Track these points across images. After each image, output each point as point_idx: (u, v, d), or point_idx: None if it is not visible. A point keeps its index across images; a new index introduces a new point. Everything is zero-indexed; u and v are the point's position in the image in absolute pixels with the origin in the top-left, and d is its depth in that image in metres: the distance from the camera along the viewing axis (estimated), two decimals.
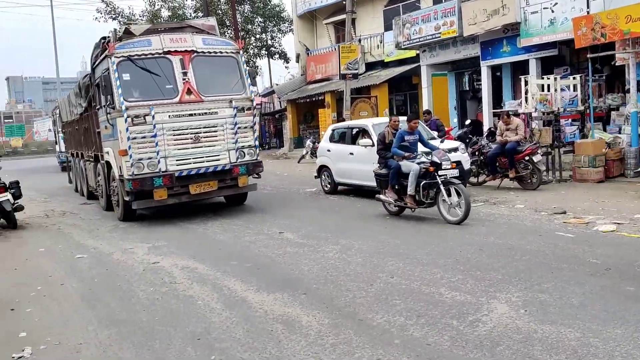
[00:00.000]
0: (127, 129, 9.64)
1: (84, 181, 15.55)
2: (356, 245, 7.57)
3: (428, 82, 19.67)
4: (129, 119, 9.64)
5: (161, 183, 9.88)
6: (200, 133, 10.19)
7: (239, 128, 10.51)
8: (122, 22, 34.52)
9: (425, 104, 19.42)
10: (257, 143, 10.89)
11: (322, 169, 13.35)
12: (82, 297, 6.10)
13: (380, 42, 24.15)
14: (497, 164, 11.82)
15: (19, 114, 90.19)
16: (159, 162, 9.87)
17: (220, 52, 10.73)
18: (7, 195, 10.99)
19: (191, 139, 10.11)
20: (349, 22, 21.51)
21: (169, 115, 9.95)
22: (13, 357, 4.46)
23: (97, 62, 11.21)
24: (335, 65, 22.62)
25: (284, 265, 6.81)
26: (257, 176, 11.14)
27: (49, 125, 67.35)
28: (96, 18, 35.10)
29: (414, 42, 18.80)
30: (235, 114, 10.46)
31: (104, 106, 10.42)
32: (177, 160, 10.06)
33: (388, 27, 22.35)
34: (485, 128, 16.31)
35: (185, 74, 10.18)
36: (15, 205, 11.23)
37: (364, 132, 12.11)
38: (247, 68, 11.05)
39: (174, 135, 9.99)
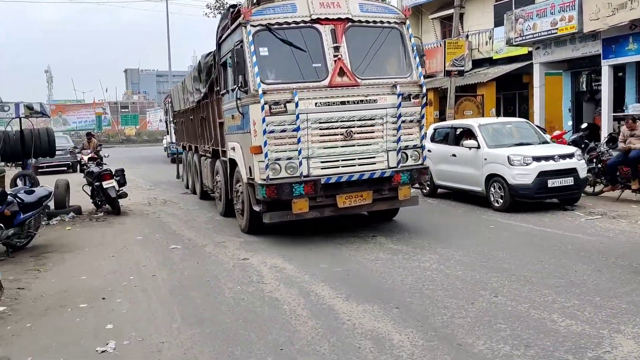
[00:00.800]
0: (263, 120, 7.48)
1: (197, 178, 13.77)
2: (456, 256, 6.99)
3: (540, 81, 18.34)
4: (267, 107, 7.50)
5: (302, 192, 7.63)
6: (354, 127, 7.88)
7: (402, 122, 8.10)
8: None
9: (537, 105, 18.14)
10: (423, 143, 8.50)
11: None
12: (171, 291, 6.04)
13: (489, 38, 22.94)
14: (618, 174, 10.68)
15: (134, 104, 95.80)
16: (300, 163, 7.65)
17: (382, 22, 8.32)
18: (113, 183, 11.42)
19: (341, 134, 7.83)
20: (456, 17, 20.59)
21: (316, 103, 7.72)
22: (97, 351, 4.41)
23: (224, 36, 9.11)
24: (440, 61, 21.75)
25: (375, 272, 6.39)
26: (419, 186, 9.37)
27: (160, 115, 71.16)
28: (206, 14, 36.30)
29: (527, 38, 17.58)
30: (400, 102, 8.06)
31: (233, 90, 8.53)
32: (322, 162, 7.84)
33: (498, 22, 21.13)
34: (605, 133, 14.89)
35: (337, 49, 7.87)
36: (120, 192, 11.66)
37: (468, 133, 11.36)
38: (415, 43, 8.52)
39: (320, 129, 7.76)
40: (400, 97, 8.03)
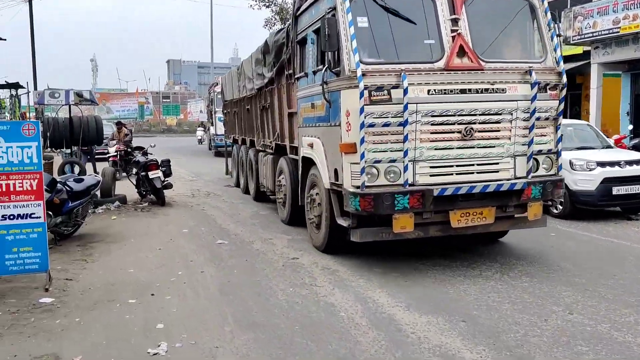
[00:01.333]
0: (361, 110, 5.75)
1: (251, 177, 12.18)
2: (518, 265, 6.56)
3: (598, 82, 17.52)
4: (366, 93, 5.81)
5: (407, 205, 5.88)
6: (475, 123, 6.13)
7: (537, 119, 6.33)
8: (274, 11, 35.37)
9: (593, 107, 17.35)
10: (559, 147, 6.68)
11: None
12: (220, 289, 5.81)
13: None
14: None
15: (176, 95, 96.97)
16: (405, 168, 5.92)
17: None
18: (159, 173, 11.33)
19: (459, 132, 6.09)
20: None
21: (429, 91, 6.00)
22: (149, 353, 4.19)
23: (306, 5, 7.42)
24: None
25: (435, 280, 6.02)
26: (552, 202, 7.69)
27: (200, 106, 71.84)
28: (251, 6, 36.23)
29: (586, 37, 16.80)
30: (535, 94, 6.24)
31: (316, 72, 6.99)
32: (431, 167, 6.11)
33: (553, 19, 20.30)
34: None
35: (455, 22, 6.20)
36: (165, 183, 11.56)
37: None
38: (551, 20, 6.71)
39: (432, 124, 6.04)
40: (537, 86, 6.23)
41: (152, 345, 4.30)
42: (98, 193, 9.87)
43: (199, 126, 39.09)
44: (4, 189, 5.78)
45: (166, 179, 11.67)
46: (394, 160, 5.95)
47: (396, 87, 5.89)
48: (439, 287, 5.74)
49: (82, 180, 8.33)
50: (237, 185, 14.10)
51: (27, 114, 23.41)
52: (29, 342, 4.43)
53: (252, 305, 5.27)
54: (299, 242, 8.00)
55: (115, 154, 13.93)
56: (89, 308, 5.24)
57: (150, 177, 11.26)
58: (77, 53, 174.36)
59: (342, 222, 6.39)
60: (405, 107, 5.84)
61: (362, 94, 5.78)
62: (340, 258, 6.91)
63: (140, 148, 12.40)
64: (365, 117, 5.80)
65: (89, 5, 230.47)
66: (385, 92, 5.91)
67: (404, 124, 5.86)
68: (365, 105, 5.80)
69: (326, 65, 6.39)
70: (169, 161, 11.83)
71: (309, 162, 7.53)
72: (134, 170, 12.24)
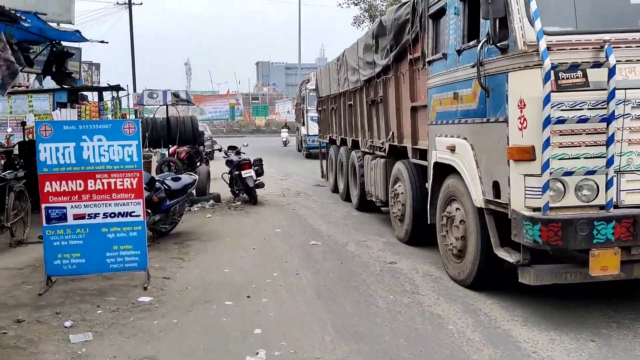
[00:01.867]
0: (546, 99, 4.24)
1: (353, 183, 10.75)
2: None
3: None
4: (552, 75, 4.26)
5: (611, 236, 4.28)
6: None
7: None
8: (363, 8, 35.09)
9: None
10: None
11: None
12: (318, 293, 5.55)
13: None
14: None
15: (264, 96, 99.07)
16: (609, 183, 4.36)
17: None
18: (251, 172, 11.33)
19: None
20: None
21: None
22: None
23: None
24: None
25: (554, 291, 5.43)
26: None
27: (288, 107, 72.93)
28: (339, 4, 36.18)
29: None
30: None
31: (461, 51, 5.48)
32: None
33: None
34: None
35: None
36: (257, 182, 11.55)
37: None
38: None
39: None
40: None
41: (250, 353, 4.09)
42: (194, 191, 9.97)
43: (283, 127, 36.71)
44: (105, 187, 5.83)
45: (258, 178, 11.66)
46: (592, 172, 4.34)
47: (597, 65, 4.29)
48: (559, 300, 5.15)
49: (179, 179, 8.41)
50: (335, 190, 12.67)
51: (127, 115, 24.56)
52: (128, 343, 4.37)
53: (351, 313, 4.96)
54: (394, 245, 7.62)
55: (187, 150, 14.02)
56: (186, 309, 5.14)
57: (243, 176, 11.28)
58: (171, 56, 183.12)
59: (506, 255, 4.76)
60: (612, 95, 4.23)
61: (547, 77, 4.19)
62: (440, 264, 6.44)
63: (233, 147, 12.48)
64: (551, 110, 4.23)
65: (183, 10, 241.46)
66: (580, 73, 4.31)
67: (608, 118, 4.26)
68: (551, 92, 4.23)
69: (483, 39, 4.88)
70: (261, 160, 11.82)
71: (444, 170, 5.93)
72: (227, 170, 12.34)
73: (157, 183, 7.89)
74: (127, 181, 5.87)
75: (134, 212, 5.90)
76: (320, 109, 14.73)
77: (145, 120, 12.20)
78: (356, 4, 35.35)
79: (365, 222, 9.30)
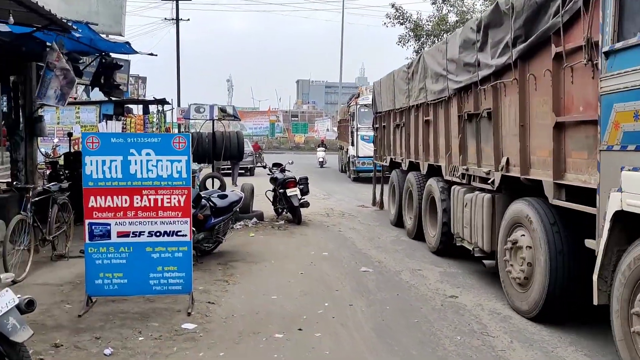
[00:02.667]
0: None
1: (430, 220, 8.70)
2: None
3: None
4: None
5: None
6: None
7: None
8: (409, 27, 34.82)
9: None
10: None
11: None
12: (375, 330, 5.06)
13: None
14: None
15: (304, 114, 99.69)
16: None
17: None
18: (296, 191, 10.96)
19: None
20: None
21: None
22: None
23: None
24: None
25: None
26: None
27: (327, 125, 72.85)
28: (385, 23, 35.93)
29: None
30: None
31: None
32: None
33: None
34: None
35: None
36: (302, 201, 11.16)
37: None
38: None
39: None
40: None
41: None
42: (241, 222, 9.65)
43: (319, 145, 31.92)
44: (151, 204, 5.51)
45: (303, 197, 11.27)
46: None
47: None
48: None
49: (225, 196, 8.07)
50: (398, 224, 10.52)
51: (171, 129, 24.66)
52: None
53: (416, 356, 4.45)
54: (452, 275, 7.08)
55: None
56: (233, 340, 4.73)
57: (287, 194, 10.92)
58: (214, 73, 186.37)
59: None
60: None
61: None
62: (506, 298, 5.87)
63: (278, 165, 12.15)
64: None
65: (226, 28, 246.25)
66: None
67: None
68: None
69: None
70: (306, 179, 11.44)
71: (636, 224, 3.84)
72: (272, 187, 12.01)
73: (203, 200, 7.57)
74: (174, 198, 5.54)
75: (180, 231, 5.55)
76: (377, 126, 12.94)
77: (192, 134, 12.01)
78: (402, 24, 35.15)
79: (417, 249, 8.77)
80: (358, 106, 20.27)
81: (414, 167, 9.83)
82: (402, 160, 10.47)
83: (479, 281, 6.74)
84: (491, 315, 5.46)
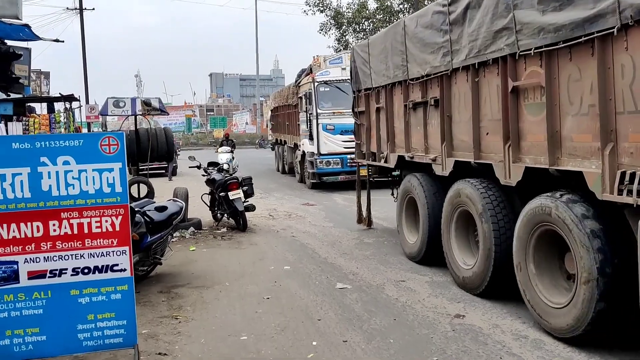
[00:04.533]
0: None
1: (531, 262, 4.76)
2: None
3: None
4: None
5: None
6: None
7: None
8: (329, 15, 34.05)
9: None
10: None
11: None
12: None
13: None
14: None
15: (219, 107, 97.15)
16: None
17: None
18: (240, 193, 9.60)
19: None
20: None
21: None
22: None
23: None
24: None
25: None
26: None
27: (246, 118, 70.92)
28: (304, 11, 34.82)
29: None
30: None
31: None
32: None
33: None
34: None
35: None
36: (247, 204, 9.82)
37: None
38: None
39: None
40: None
41: None
42: (176, 233, 8.18)
43: (221, 144, 21.21)
44: (75, 231, 4.04)
45: (247, 200, 9.93)
46: None
47: None
48: None
49: (164, 208, 6.58)
50: (433, 262, 6.78)
51: (81, 129, 22.20)
52: None
53: None
54: (443, 285, 6.06)
55: None
56: None
57: (230, 197, 9.53)
58: (121, 68, 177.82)
59: None
60: None
61: None
62: (527, 315, 4.89)
63: (214, 164, 10.70)
64: None
65: (132, 23, 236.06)
66: None
67: None
68: None
69: None
70: (250, 179, 10.06)
71: None
72: (208, 190, 10.55)
73: (137, 215, 6.09)
74: (106, 221, 4.10)
75: (117, 265, 4.12)
76: (361, 110, 9.08)
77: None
78: (322, 11, 34.23)
79: (388, 254, 7.70)
80: (316, 84, 14.60)
81: (464, 169, 5.94)
82: (435, 159, 6.48)
83: (470, 295, 5.73)
84: (518, 341, 4.45)
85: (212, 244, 8.78)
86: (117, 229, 4.12)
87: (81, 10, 29.14)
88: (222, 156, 17.51)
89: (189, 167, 11.19)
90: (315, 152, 14.80)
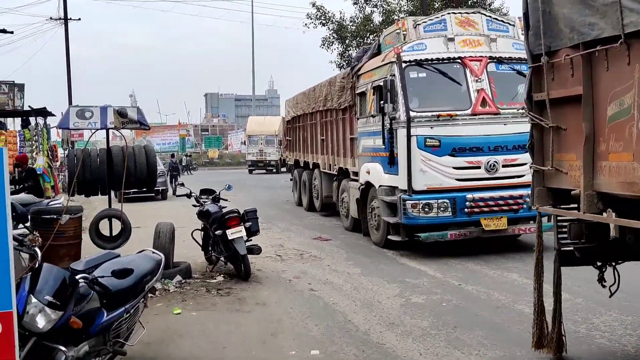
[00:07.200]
0: None
1: None
2: None
3: None
4: None
5: None
6: None
7: None
8: (331, 29, 32.25)
9: None
10: None
11: None
12: None
13: None
14: None
15: (214, 127, 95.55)
16: None
17: None
18: (242, 231, 7.28)
19: None
20: None
21: None
22: None
23: None
24: None
25: None
26: None
27: (241, 138, 68.84)
28: (305, 24, 32.93)
29: None
30: None
31: None
32: None
33: None
34: None
35: None
36: (251, 245, 7.52)
37: None
38: None
39: None
40: None
41: None
42: (157, 285, 5.83)
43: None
44: None
45: (250, 239, 7.62)
46: None
47: None
48: None
49: (128, 271, 4.20)
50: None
51: (57, 148, 19.82)
52: None
53: None
54: None
55: None
56: None
57: (229, 237, 7.21)
58: (116, 89, 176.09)
59: None
60: None
61: None
62: None
63: (209, 191, 8.38)
64: None
65: (128, 42, 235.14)
66: None
67: None
68: None
69: None
70: (255, 212, 7.69)
71: None
72: (201, 225, 8.24)
73: (80, 285, 3.76)
74: None
75: None
76: (554, 98, 4.10)
77: (73, 155, 7.92)
78: (324, 24, 32.32)
79: (456, 325, 5.41)
80: (404, 65, 8.55)
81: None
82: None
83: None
84: None
85: (204, 303, 6.45)
86: None
87: (66, 20, 27.01)
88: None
89: (176, 196, 8.89)
90: (400, 186, 8.58)
